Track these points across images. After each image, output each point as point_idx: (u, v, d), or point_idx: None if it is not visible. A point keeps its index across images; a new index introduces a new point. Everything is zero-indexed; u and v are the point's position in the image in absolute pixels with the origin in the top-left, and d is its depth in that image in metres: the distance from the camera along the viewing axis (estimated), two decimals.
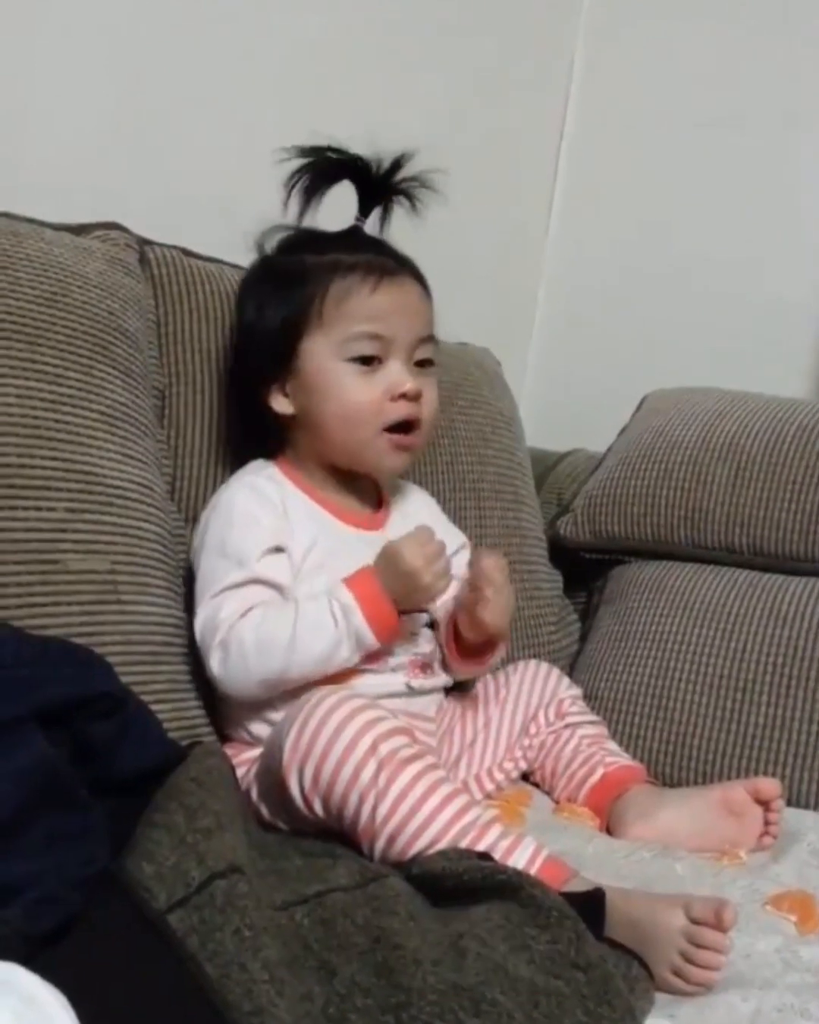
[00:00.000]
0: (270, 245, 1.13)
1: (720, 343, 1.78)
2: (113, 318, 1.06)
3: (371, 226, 1.12)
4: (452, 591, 1.09)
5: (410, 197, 1.12)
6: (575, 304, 1.96)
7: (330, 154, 1.09)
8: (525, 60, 1.87)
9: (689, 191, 1.83)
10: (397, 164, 1.10)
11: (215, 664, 0.98)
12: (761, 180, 1.77)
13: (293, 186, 1.09)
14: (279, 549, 1.03)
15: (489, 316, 1.82)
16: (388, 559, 1.00)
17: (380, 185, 1.11)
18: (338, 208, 1.12)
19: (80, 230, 1.14)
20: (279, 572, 1.02)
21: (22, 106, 1.22)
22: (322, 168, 1.09)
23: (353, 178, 1.11)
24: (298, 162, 1.08)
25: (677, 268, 1.84)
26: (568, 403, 1.89)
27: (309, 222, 1.11)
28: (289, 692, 0.99)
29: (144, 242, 1.20)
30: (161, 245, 1.22)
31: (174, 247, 1.23)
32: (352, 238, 1.11)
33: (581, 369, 1.92)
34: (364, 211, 1.12)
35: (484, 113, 1.81)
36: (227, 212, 1.27)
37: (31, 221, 1.08)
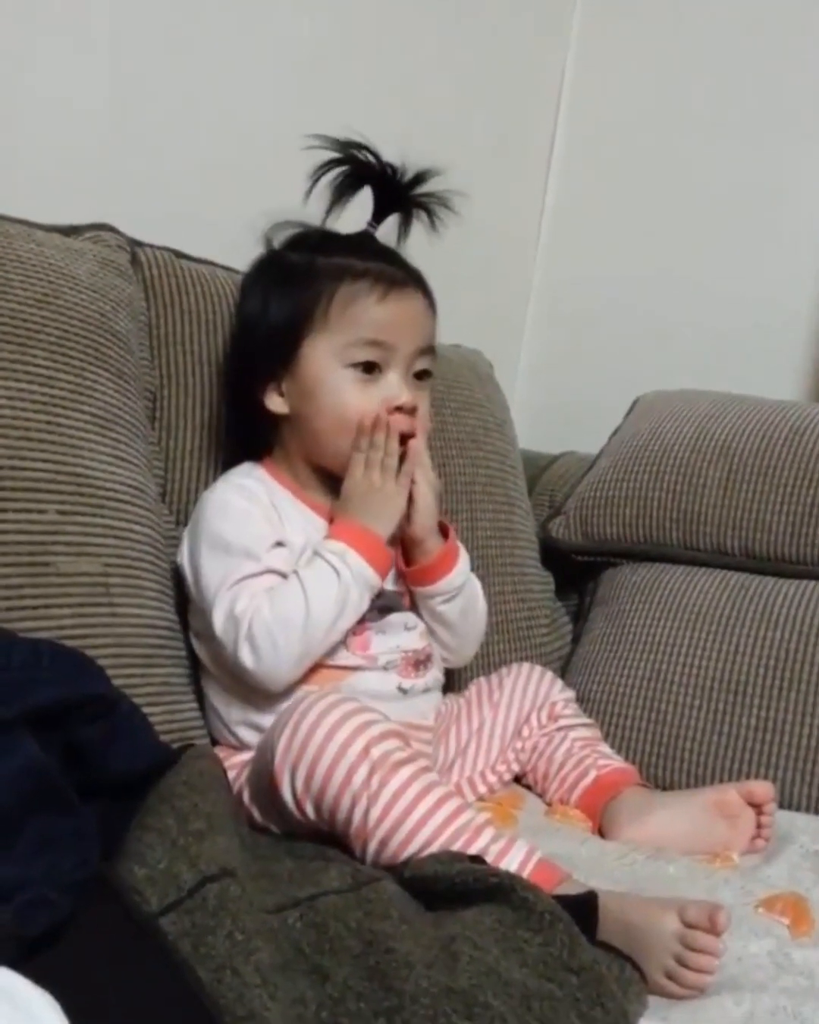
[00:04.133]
0: (279, 240, 1.12)
1: (712, 345, 1.78)
2: (104, 320, 1.06)
3: (387, 234, 1.13)
4: None
5: (431, 213, 1.12)
6: (567, 306, 1.96)
7: (363, 154, 1.09)
8: (517, 63, 1.88)
9: (680, 193, 1.84)
10: (419, 178, 1.10)
11: (247, 658, 0.97)
12: (752, 183, 1.77)
13: (320, 178, 1.08)
14: (280, 544, 1.03)
15: (481, 317, 1.82)
16: (344, 497, 1.04)
17: (399, 195, 1.11)
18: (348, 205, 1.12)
19: (71, 231, 1.13)
20: (286, 564, 1.02)
21: (14, 107, 1.22)
22: (356, 168, 1.09)
23: (375, 184, 1.11)
24: (324, 154, 1.08)
25: (669, 270, 1.84)
26: (560, 405, 1.89)
27: (332, 222, 1.11)
28: (276, 697, 0.99)
29: (135, 243, 1.20)
30: (152, 246, 1.22)
31: (165, 249, 1.23)
32: (363, 243, 1.11)
33: (573, 371, 1.92)
34: (378, 217, 1.12)
35: (477, 115, 1.81)
36: (219, 214, 1.28)
37: (22, 222, 1.08)
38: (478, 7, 1.77)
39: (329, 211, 1.10)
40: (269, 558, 1.01)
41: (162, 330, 1.17)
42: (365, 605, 1.02)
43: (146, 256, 1.20)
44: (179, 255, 1.24)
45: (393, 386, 1.05)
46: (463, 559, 1.13)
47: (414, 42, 1.68)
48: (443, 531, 1.11)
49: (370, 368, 1.05)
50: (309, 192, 1.09)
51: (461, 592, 1.12)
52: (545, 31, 1.92)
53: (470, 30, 1.76)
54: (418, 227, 1.13)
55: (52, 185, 1.24)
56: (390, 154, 1.10)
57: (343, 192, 1.10)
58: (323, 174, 1.09)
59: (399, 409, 1.05)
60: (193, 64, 1.38)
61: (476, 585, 1.17)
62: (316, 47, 1.53)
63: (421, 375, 1.09)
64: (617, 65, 1.91)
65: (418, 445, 1.07)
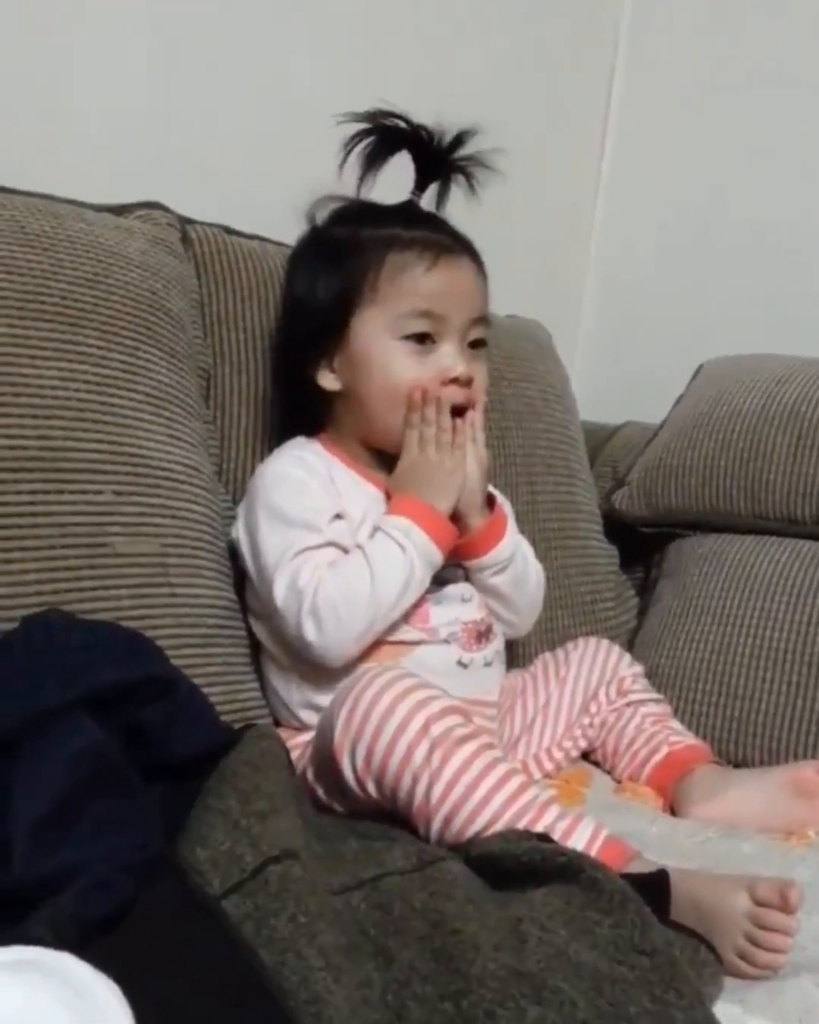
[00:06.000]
0: (322, 216, 1.11)
1: (776, 308, 1.73)
2: (156, 298, 1.05)
3: (427, 201, 1.10)
4: None
5: (470, 177, 1.09)
6: (626, 272, 1.92)
7: (393, 121, 1.06)
8: (570, 26, 1.83)
9: (740, 154, 1.78)
10: (458, 140, 1.08)
11: (310, 632, 0.96)
12: (813, 141, 1.71)
13: (351, 150, 1.06)
14: (339, 516, 1.02)
15: (539, 287, 1.79)
16: (402, 473, 1.03)
17: (440, 160, 1.08)
18: (390, 178, 1.10)
19: (121, 210, 1.13)
20: (346, 538, 1.01)
21: (62, 86, 1.22)
22: (384, 135, 1.07)
23: (413, 150, 1.08)
24: (359, 126, 1.06)
25: (730, 233, 1.79)
26: (621, 374, 1.86)
27: (366, 191, 1.09)
28: (336, 677, 0.98)
29: (186, 221, 1.19)
30: (203, 224, 1.21)
31: (216, 225, 1.22)
32: (408, 212, 1.09)
33: (634, 339, 1.88)
34: (421, 185, 1.10)
35: (531, 81, 1.77)
36: (270, 189, 1.26)
37: (72, 202, 1.07)
38: None
39: (361, 181, 1.08)
40: (329, 531, 1.00)
41: (215, 308, 1.16)
42: (428, 581, 1.01)
43: (197, 233, 1.19)
44: (230, 231, 1.23)
45: (448, 357, 1.03)
46: (511, 532, 1.10)
47: (463, 7, 1.64)
48: (489, 503, 1.09)
49: (423, 339, 1.03)
50: (342, 164, 1.06)
51: (510, 564, 1.09)
52: None
53: None
54: (462, 193, 1.10)
55: (101, 165, 1.23)
56: (440, 122, 1.07)
57: (373, 160, 1.07)
58: (354, 146, 1.06)
59: (454, 381, 1.03)
60: (240, 37, 1.37)
61: (528, 557, 1.15)
62: (364, 17, 1.50)
63: (476, 344, 1.07)
64: (673, 24, 1.86)
65: (474, 418, 1.05)
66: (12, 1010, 0.47)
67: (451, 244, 1.06)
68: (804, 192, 1.72)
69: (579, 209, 1.95)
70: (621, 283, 1.93)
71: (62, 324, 0.95)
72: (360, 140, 1.07)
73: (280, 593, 0.97)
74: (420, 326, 1.03)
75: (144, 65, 1.29)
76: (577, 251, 1.96)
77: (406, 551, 0.98)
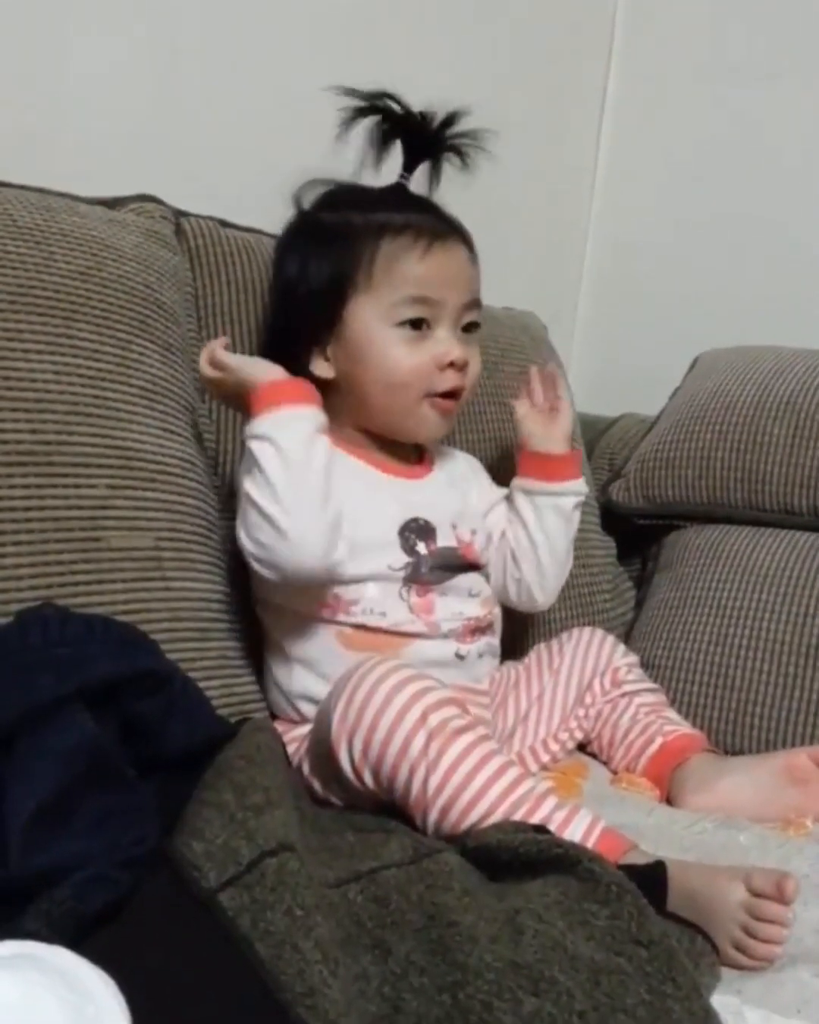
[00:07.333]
0: (309, 200, 1.10)
1: (773, 300, 1.72)
2: (150, 291, 1.05)
3: (418, 183, 1.10)
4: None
5: (462, 154, 1.09)
6: (623, 264, 1.91)
7: (390, 103, 1.06)
8: (566, 15, 1.82)
9: (736, 146, 1.77)
10: (449, 121, 1.07)
11: (253, 547, 0.94)
12: (812, 132, 1.70)
13: (349, 128, 1.05)
14: None
15: (536, 278, 1.79)
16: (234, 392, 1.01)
17: (431, 142, 1.08)
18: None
19: (114, 203, 1.12)
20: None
21: (54, 81, 1.21)
22: (385, 118, 1.06)
23: (404, 133, 1.08)
24: (355, 102, 1.05)
25: (727, 224, 1.78)
26: (618, 366, 1.85)
27: (369, 178, 1.08)
28: (337, 663, 0.97)
29: (180, 214, 1.19)
30: (197, 216, 1.20)
31: (210, 218, 1.22)
32: (398, 196, 1.08)
33: (630, 331, 1.88)
34: (409, 167, 1.09)
35: (526, 71, 1.77)
36: (264, 182, 1.25)
37: (65, 196, 1.06)
38: None
39: (376, 164, 1.07)
40: None
41: (209, 301, 1.16)
42: (318, 434, 0.96)
43: (191, 226, 1.18)
44: (224, 224, 1.23)
45: (443, 342, 1.03)
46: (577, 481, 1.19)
47: None
48: None
49: (418, 325, 1.03)
50: (344, 131, 1.05)
51: (581, 507, 1.19)
52: None
53: None
54: (456, 185, 1.10)
55: (95, 158, 1.23)
56: (447, 106, 1.07)
57: (380, 145, 1.07)
58: (351, 125, 1.05)
59: (451, 365, 1.03)
60: (234, 28, 1.36)
61: None
62: (361, 7, 1.49)
63: (469, 328, 1.07)
64: (670, 11, 1.85)
65: (557, 380, 1.20)
66: (7, 1004, 0.47)
67: (443, 229, 1.05)
68: (800, 184, 1.72)
69: (576, 200, 1.94)
70: (617, 275, 1.92)
71: (55, 318, 0.95)
72: (358, 119, 1.05)
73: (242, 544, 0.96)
74: (415, 312, 1.03)
75: (138, 57, 1.28)
76: (573, 243, 1.95)
77: (265, 438, 0.94)
